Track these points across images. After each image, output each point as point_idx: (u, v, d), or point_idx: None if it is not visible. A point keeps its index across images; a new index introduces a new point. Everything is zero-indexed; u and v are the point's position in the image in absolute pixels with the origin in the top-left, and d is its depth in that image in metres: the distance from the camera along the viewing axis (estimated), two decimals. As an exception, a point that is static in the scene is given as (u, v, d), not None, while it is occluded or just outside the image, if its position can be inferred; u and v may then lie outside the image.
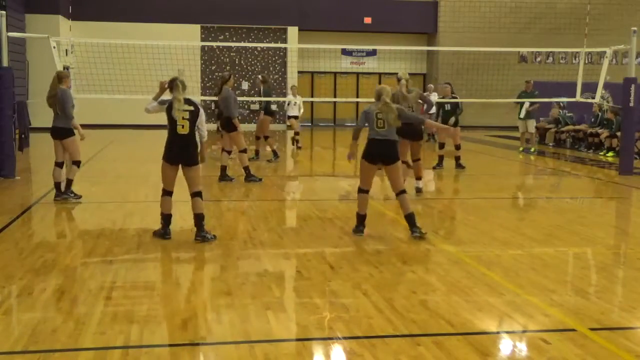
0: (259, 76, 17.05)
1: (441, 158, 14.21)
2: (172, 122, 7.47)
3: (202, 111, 7.66)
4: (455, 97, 14.63)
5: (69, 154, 10.00)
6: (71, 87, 10.18)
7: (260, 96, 15.87)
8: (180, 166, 7.65)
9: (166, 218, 7.74)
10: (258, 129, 15.66)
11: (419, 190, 10.84)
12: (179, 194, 9.22)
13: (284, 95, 26.27)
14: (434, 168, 13.96)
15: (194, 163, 7.61)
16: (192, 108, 7.54)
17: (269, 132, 15.85)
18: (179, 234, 7.96)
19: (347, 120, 28.03)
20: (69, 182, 9.97)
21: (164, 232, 7.72)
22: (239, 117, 12.40)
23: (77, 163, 9.97)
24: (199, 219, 7.65)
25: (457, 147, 14.07)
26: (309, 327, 4.99)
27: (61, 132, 9.84)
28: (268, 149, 15.77)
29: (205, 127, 7.76)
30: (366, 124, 7.84)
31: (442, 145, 14.16)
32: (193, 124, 7.52)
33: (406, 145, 10.43)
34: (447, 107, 14.32)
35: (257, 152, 15.41)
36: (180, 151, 7.55)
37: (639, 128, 14.65)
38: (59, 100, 9.72)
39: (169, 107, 7.48)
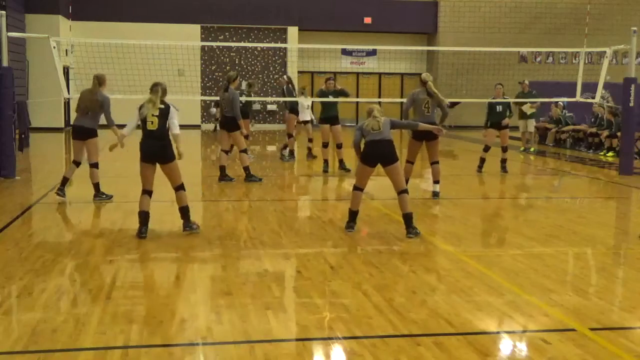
0: (284, 76, 16.59)
1: (504, 161, 13.79)
2: (143, 121, 7.73)
3: (172, 109, 7.80)
4: (506, 98, 14.24)
5: (88, 155, 9.96)
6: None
7: (284, 96, 15.73)
8: (158, 165, 7.81)
9: (142, 215, 7.79)
10: (288, 127, 15.63)
11: (436, 195, 10.56)
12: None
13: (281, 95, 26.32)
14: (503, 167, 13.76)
15: (169, 160, 7.77)
16: (162, 106, 7.74)
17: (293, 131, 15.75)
18: (179, 234, 7.96)
19: (347, 120, 27.96)
20: (97, 186, 9.98)
21: (139, 231, 7.75)
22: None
23: (95, 165, 9.94)
24: (184, 211, 7.90)
25: (504, 149, 13.71)
26: (309, 327, 4.99)
27: (87, 132, 9.83)
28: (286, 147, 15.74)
29: (177, 124, 7.85)
30: (363, 137, 8.03)
31: (505, 149, 13.87)
32: (163, 120, 7.70)
33: (417, 145, 10.38)
34: (499, 108, 13.72)
35: (291, 152, 15.60)
36: (153, 149, 7.70)
37: (639, 128, 14.65)
38: (101, 105, 9.75)
39: (141, 107, 7.76)
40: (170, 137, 7.80)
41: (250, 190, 11.36)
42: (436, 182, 10.59)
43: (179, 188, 7.88)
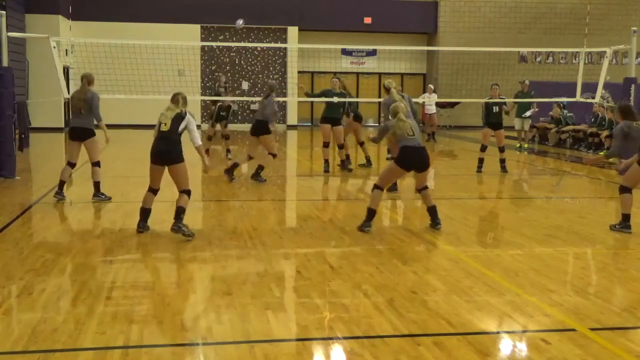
0: (337, 78, 14.45)
1: (502, 161, 13.74)
2: (158, 125, 7.79)
3: (190, 117, 7.81)
4: (503, 98, 14.09)
5: (89, 155, 9.97)
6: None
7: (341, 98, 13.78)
8: (166, 168, 7.83)
9: (143, 212, 7.93)
10: (356, 135, 14.30)
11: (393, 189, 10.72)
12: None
13: (283, 95, 26.33)
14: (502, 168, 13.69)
15: (176, 161, 7.71)
16: (178, 111, 7.76)
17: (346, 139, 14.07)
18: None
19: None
20: (97, 185, 9.99)
21: (138, 226, 7.87)
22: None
23: (98, 164, 9.95)
24: (179, 211, 7.66)
25: (501, 150, 13.67)
26: (309, 327, 4.99)
27: (85, 132, 9.84)
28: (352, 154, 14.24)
29: (197, 133, 7.90)
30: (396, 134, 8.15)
31: (502, 149, 13.81)
32: (176, 125, 7.69)
33: (401, 173, 10.63)
34: (495, 109, 13.64)
35: (344, 161, 13.83)
36: (161, 148, 7.72)
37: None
38: (90, 102, 9.80)
39: (161, 115, 7.84)
40: (187, 144, 7.80)
41: (251, 190, 11.36)
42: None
43: (184, 192, 7.74)
